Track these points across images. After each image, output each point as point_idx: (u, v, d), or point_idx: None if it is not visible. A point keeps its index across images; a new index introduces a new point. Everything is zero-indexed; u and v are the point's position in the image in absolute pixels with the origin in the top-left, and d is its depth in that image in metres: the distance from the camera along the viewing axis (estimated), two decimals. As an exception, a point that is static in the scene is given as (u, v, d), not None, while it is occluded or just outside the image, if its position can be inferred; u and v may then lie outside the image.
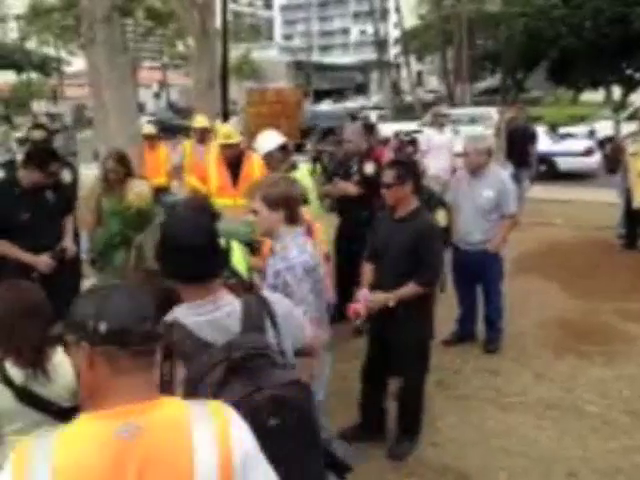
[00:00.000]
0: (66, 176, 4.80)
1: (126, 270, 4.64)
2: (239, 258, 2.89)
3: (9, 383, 2.01)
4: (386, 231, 3.30)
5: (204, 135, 6.24)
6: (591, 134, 14.66)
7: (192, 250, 1.58)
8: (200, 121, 6.46)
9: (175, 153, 6.76)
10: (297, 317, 1.82)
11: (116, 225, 4.44)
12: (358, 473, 2.03)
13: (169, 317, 1.59)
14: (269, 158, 4.27)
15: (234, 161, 4.61)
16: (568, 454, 3.33)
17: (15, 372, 2.03)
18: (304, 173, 4.33)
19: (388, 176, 3.19)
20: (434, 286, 3.29)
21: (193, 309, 1.56)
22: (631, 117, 14.99)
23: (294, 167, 4.31)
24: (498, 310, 4.69)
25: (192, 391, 1.38)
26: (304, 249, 2.38)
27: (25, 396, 2.03)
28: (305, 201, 3.45)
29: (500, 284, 4.70)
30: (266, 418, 1.33)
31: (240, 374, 1.37)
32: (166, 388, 1.42)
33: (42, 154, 4.03)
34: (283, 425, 1.36)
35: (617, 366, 4.33)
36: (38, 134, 7.03)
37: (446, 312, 4.60)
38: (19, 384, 2.02)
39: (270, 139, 4.37)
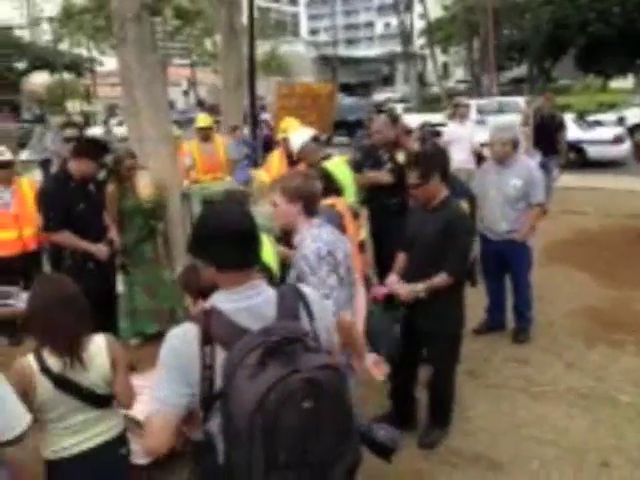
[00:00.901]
0: (100, 173, 4.96)
1: (158, 260, 4.79)
2: (268, 251, 2.95)
3: (47, 372, 2.09)
4: (418, 221, 3.30)
5: (207, 134, 6.36)
6: (620, 121, 14.35)
7: (239, 236, 1.61)
8: (203, 120, 6.55)
9: (184, 154, 6.88)
10: (329, 307, 1.89)
11: (140, 220, 4.60)
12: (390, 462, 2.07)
13: (208, 303, 1.63)
14: (304, 151, 4.27)
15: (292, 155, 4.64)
16: (601, 444, 3.31)
17: (53, 361, 2.11)
18: (338, 163, 4.33)
19: (412, 177, 3.17)
20: (463, 275, 3.28)
21: (232, 295, 1.60)
22: None
23: (328, 157, 4.31)
24: (527, 301, 4.66)
25: (230, 372, 1.43)
26: (318, 237, 2.41)
27: (63, 384, 2.11)
28: (338, 192, 3.50)
29: (528, 275, 4.66)
30: (300, 400, 1.36)
31: (276, 357, 1.40)
32: (207, 373, 1.51)
33: (94, 145, 4.20)
34: (317, 408, 1.38)
35: (651, 355, 4.27)
36: (70, 132, 7.21)
37: (476, 300, 4.59)
38: (57, 373, 2.10)
39: (301, 133, 4.41)
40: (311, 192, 2.47)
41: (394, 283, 3.28)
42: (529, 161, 4.78)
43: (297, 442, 1.38)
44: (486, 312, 4.83)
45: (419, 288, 3.13)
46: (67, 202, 3.94)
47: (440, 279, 3.12)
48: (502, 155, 4.43)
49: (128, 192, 4.60)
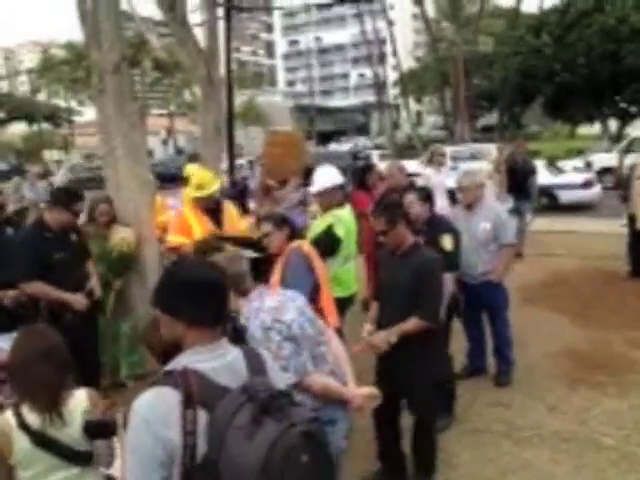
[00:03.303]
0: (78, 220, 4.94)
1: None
2: None
3: (26, 428, 2.02)
4: (390, 268, 3.33)
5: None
6: (588, 166, 14.84)
7: (214, 289, 1.56)
8: (190, 169, 6.59)
9: (176, 200, 6.90)
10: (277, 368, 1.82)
11: (101, 269, 4.52)
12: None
13: (176, 364, 1.54)
14: (323, 194, 4.28)
15: (211, 208, 4.54)
16: (586, 488, 3.28)
17: (32, 417, 2.04)
18: (347, 212, 4.34)
19: (380, 224, 3.20)
20: (435, 321, 3.20)
21: (205, 353, 1.53)
22: (628, 149, 15.21)
23: (341, 205, 4.32)
24: (507, 341, 4.67)
25: (220, 435, 1.36)
26: (259, 310, 2.34)
27: (41, 441, 2.03)
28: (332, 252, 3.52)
29: (506, 314, 4.70)
30: (300, 455, 1.33)
31: (270, 413, 1.36)
32: (189, 440, 1.41)
33: (67, 194, 4.19)
34: (313, 461, 1.36)
35: (631, 396, 4.27)
36: (42, 184, 7.16)
37: (457, 346, 4.59)
38: (36, 429, 2.03)
39: (327, 176, 4.33)
40: (237, 274, 2.39)
41: (369, 334, 3.26)
42: (496, 204, 4.95)
43: None
44: (467, 357, 4.82)
45: (391, 334, 3.09)
46: (42, 252, 3.88)
47: (411, 324, 3.10)
48: (472, 200, 4.56)
49: (98, 238, 4.56)
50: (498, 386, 4.54)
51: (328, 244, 4.07)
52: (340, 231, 4.16)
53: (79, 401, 2.15)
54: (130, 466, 1.44)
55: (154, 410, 1.43)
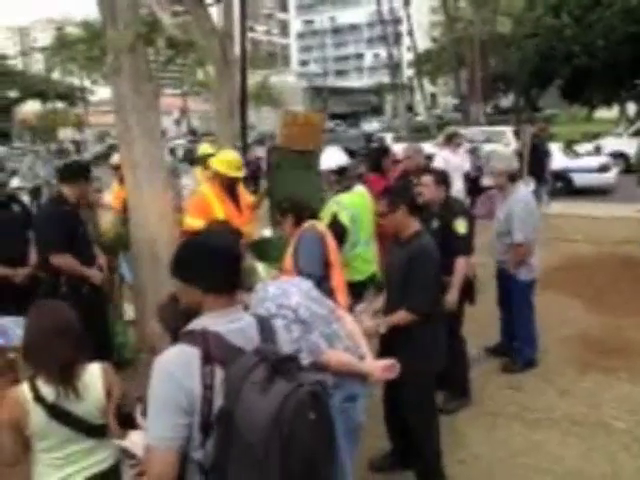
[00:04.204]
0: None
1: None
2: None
3: (41, 401, 2.06)
4: (391, 254, 3.27)
5: (209, 161, 6.40)
6: (597, 150, 14.64)
7: (229, 257, 1.67)
8: (203, 150, 6.62)
9: (189, 179, 6.93)
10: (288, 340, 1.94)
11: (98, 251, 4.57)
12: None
13: (197, 324, 1.64)
14: (325, 176, 4.33)
15: (231, 188, 4.52)
16: (596, 471, 3.30)
17: (47, 390, 2.08)
18: (356, 194, 4.30)
19: (382, 205, 3.17)
20: (422, 314, 3.02)
21: (221, 317, 1.64)
22: (637, 132, 14.98)
23: (348, 188, 4.28)
24: (523, 337, 4.60)
25: (236, 390, 1.46)
26: (263, 299, 2.38)
27: (56, 413, 2.07)
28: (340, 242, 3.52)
29: (525, 312, 4.57)
30: (308, 412, 1.44)
31: (282, 373, 1.48)
32: (207, 394, 1.52)
33: (81, 166, 4.27)
34: (319, 419, 1.47)
35: (643, 382, 4.28)
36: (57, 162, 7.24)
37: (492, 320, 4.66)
38: (51, 402, 2.07)
39: (331, 158, 4.34)
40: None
41: (361, 312, 3.20)
42: (517, 196, 4.41)
43: (308, 454, 1.44)
44: (500, 334, 4.87)
45: (382, 324, 3.07)
46: (68, 225, 3.95)
47: (399, 316, 3.03)
48: (497, 185, 4.50)
49: (88, 221, 4.61)
50: (504, 372, 4.54)
51: (335, 235, 3.97)
52: (344, 218, 4.11)
53: (93, 375, 2.18)
54: (154, 413, 1.54)
55: (177, 363, 1.54)
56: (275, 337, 1.74)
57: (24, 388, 2.09)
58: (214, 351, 1.55)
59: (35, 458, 2.14)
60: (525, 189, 4.50)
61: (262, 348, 1.59)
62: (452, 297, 3.81)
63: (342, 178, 4.32)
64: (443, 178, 4.06)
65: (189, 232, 4.25)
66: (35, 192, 11.47)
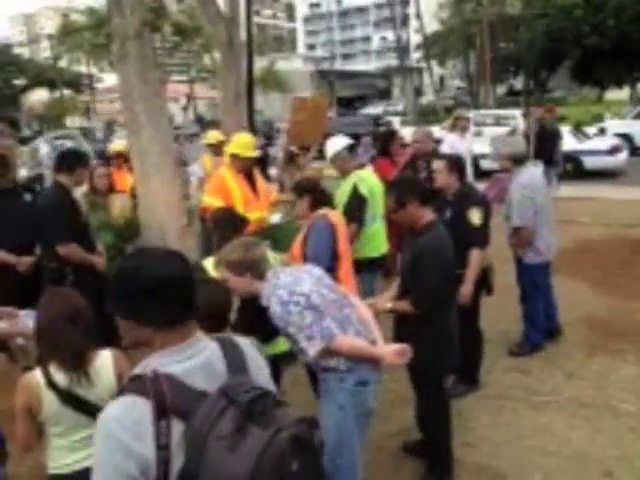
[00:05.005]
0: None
1: None
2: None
3: (54, 386, 2.10)
4: (405, 243, 3.22)
5: (219, 148, 6.38)
6: (601, 132, 14.46)
7: (179, 284, 1.35)
8: (213, 137, 6.64)
9: (198, 166, 6.96)
10: (260, 358, 1.59)
11: (108, 238, 4.59)
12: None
13: (148, 366, 1.35)
14: (337, 159, 4.43)
15: (247, 172, 4.61)
16: (603, 453, 3.31)
17: (59, 376, 2.11)
18: (370, 174, 4.57)
19: (389, 202, 3.11)
20: (421, 308, 2.96)
21: (177, 355, 1.35)
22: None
23: (362, 166, 4.55)
24: (533, 323, 4.57)
25: (199, 447, 1.22)
26: (275, 287, 2.41)
27: (69, 399, 2.11)
28: (330, 204, 3.55)
29: (535, 299, 4.54)
30: (290, 463, 1.21)
31: (254, 419, 1.23)
32: (163, 455, 1.26)
33: (79, 153, 4.32)
34: (304, 467, 1.24)
35: (651, 364, 4.28)
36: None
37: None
38: (63, 387, 2.11)
39: (337, 141, 4.50)
40: (254, 260, 2.46)
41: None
42: (521, 180, 4.31)
43: None
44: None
45: (387, 307, 3.08)
46: (72, 214, 3.99)
47: (402, 305, 3.03)
48: (503, 168, 4.45)
49: (99, 207, 4.63)
50: (511, 355, 4.55)
51: (355, 204, 4.23)
52: (364, 190, 4.29)
53: (105, 361, 2.22)
54: None
55: (124, 423, 1.26)
56: (246, 364, 1.46)
57: (36, 374, 2.13)
58: (169, 400, 1.27)
59: (48, 442, 2.18)
60: (530, 172, 4.40)
61: (229, 387, 1.30)
62: (466, 290, 3.69)
63: (353, 157, 4.58)
64: (456, 164, 3.88)
65: (209, 210, 4.38)
66: (36, 180, 11.52)
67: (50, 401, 2.09)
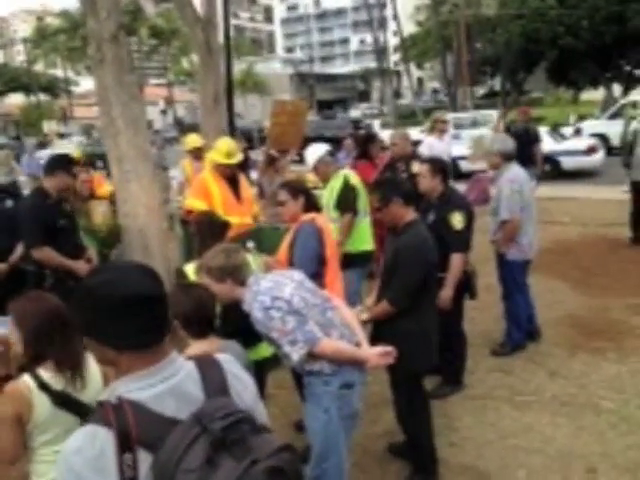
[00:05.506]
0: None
1: None
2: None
3: (46, 389, 2.04)
4: (388, 245, 3.24)
5: (198, 153, 6.44)
6: (577, 132, 14.69)
7: (146, 303, 1.23)
8: (192, 142, 6.65)
9: (178, 171, 6.94)
10: (246, 377, 1.45)
11: (91, 245, 4.55)
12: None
13: (112, 391, 1.25)
14: (320, 164, 4.55)
15: (231, 177, 4.64)
16: (586, 450, 3.35)
17: (51, 378, 2.06)
18: (354, 175, 4.74)
19: (374, 201, 3.15)
20: (398, 307, 2.99)
21: (145, 379, 1.23)
22: (614, 115, 15.06)
23: (341, 169, 4.76)
24: (515, 320, 4.59)
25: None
26: (257, 294, 2.40)
27: (63, 401, 2.06)
28: (317, 208, 3.54)
29: (517, 296, 4.58)
30: None
31: (228, 449, 1.12)
32: None
33: (64, 158, 4.25)
34: None
35: (630, 362, 4.34)
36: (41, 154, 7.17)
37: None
38: (57, 390, 2.05)
39: (317, 148, 4.64)
40: (235, 266, 2.44)
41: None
42: (507, 176, 4.42)
43: None
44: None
45: (363, 318, 3.06)
46: (47, 218, 3.93)
47: (380, 307, 3.05)
48: (492, 165, 4.55)
49: (81, 214, 4.58)
50: (494, 355, 4.58)
51: (348, 195, 4.44)
52: (355, 181, 4.56)
53: (92, 364, 2.17)
54: None
55: (85, 457, 1.16)
56: (226, 384, 1.32)
57: (25, 379, 2.06)
58: (135, 431, 1.15)
59: (34, 455, 2.11)
60: (516, 169, 4.48)
61: (204, 412, 1.18)
62: (446, 295, 3.70)
63: (333, 162, 4.81)
64: (440, 168, 3.91)
65: (192, 212, 4.46)
66: (12, 186, 11.32)
67: (42, 405, 2.03)
